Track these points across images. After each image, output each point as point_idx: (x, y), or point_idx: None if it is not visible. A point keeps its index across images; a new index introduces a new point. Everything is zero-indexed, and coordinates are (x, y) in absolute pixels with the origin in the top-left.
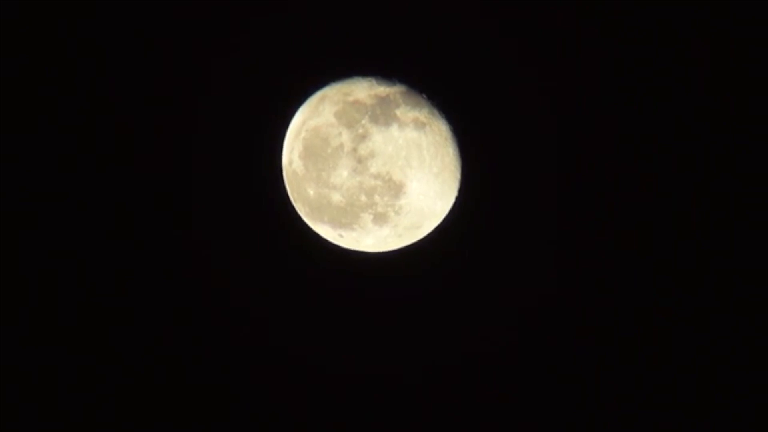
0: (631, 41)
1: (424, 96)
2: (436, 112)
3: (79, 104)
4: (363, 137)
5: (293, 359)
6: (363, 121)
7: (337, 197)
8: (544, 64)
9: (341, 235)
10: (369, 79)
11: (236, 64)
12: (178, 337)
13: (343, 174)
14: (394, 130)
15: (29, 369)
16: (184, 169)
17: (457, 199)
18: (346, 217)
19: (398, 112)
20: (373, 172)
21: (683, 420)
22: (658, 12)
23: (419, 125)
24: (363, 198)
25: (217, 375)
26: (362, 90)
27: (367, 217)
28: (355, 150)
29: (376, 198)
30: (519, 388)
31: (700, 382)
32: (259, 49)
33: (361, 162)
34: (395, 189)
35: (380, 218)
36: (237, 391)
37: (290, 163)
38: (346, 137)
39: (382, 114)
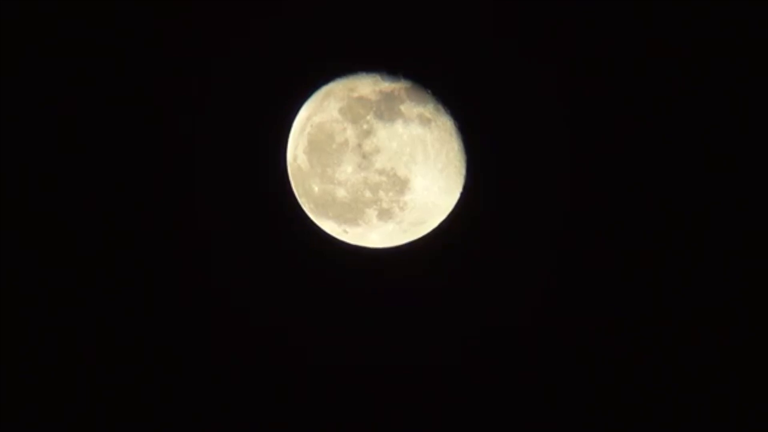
0: (633, 40)
1: (429, 92)
2: (440, 107)
3: (81, 104)
4: (368, 133)
5: (297, 356)
6: (368, 117)
7: (341, 193)
8: (548, 61)
9: (346, 231)
10: (374, 74)
11: (241, 60)
12: (178, 337)
13: (347, 170)
14: (399, 125)
15: (29, 369)
16: (189, 166)
17: (462, 194)
18: (350, 212)
19: (403, 107)
20: (377, 167)
21: (683, 420)
22: (662, 11)
23: (424, 121)
24: (368, 194)
25: (218, 374)
26: (367, 86)
27: (371, 213)
28: (359, 146)
29: (381, 194)
30: (519, 387)
31: (700, 382)
32: (264, 45)
33: (365, 158)
34: (400, 185)
35: (385, 214)
36: (238, 390)
37: (295, 158)
38: (350, 133)
39: (386, 110)
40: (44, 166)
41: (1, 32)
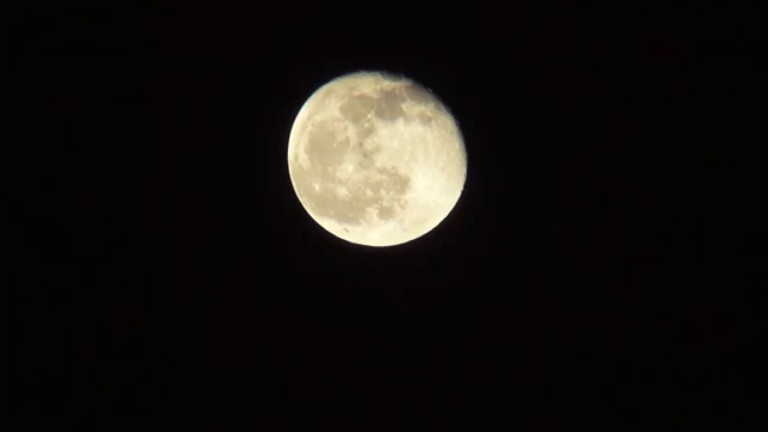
0: (633, 40)
1: (430, 90)
2: (441, 106)
3: (81, 104)
4: (369, 132)
5: (297, 354)
6: (369, 116)
7: (342, 192)
8: (548, 61)
9: (347, 230)
10: (375, 73)
11: (242, 59)
12: (178, 337)
13: (348, 168)
14: (400, 124)
15: (29, 369)
16: (189, 166)
17: (463, 193)
18: (351, 211)
19: (404, 106)
20: (378, 166)
21: (683, 420)
22: (662, 11)
23: (425, 120)
24: (369, 192)
25: (218, 374)
26: (368, 84)
27: (372, 212)
28: (360, 144)
29: (382, 192)
30: (519, 387)
31: (700, 382)
32: (265, 44)
33: (366, 156)
34: (401, 183)
35: (386, 213)
36: (238, 390)
37: (296, 157)
38: (351, 132)
39: (387, 108)
40: (44, 166)
41: (1, 32)
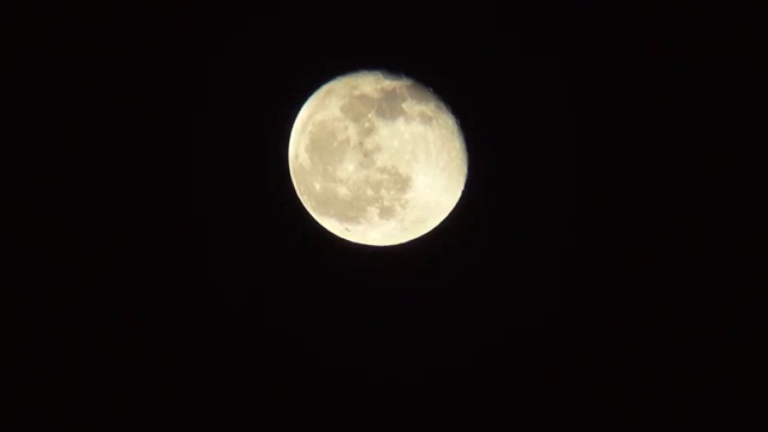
0: (633, 40)
1: (431, 90)
2: (442, 105)
3: (81, 104)
4: (369, 131)
5: (297, 355)
6: (369, 115)
7: (343, 191)
8: (551, 59)
9: (348, 229)
10: (375, 72)
11: (243, 58)
12: (178, 337)
13: (349, 168)
14: (401, 124)
15: (29, 369)
16: (189, 166)
17: (464, 193)
18: (352, 210)
19: (405, 105)
20: (379, 166)
21: (683, 420)
22: (662, 11)
23: (426, 119)
24: (369, 192)
25: (218, 374)
26: (368, 84)
27: (373, 211)
28: (361, 144)
29: (383, 192)
30: (519, 387)
31: (700, 382)
32: (266, 43)
33: (367, 156)
34: (401, 183)
35: (386, 212)
36: (238, 390)
37: (296, 156)
38: (352, 131)
39: (388, 108)
40: (44, 166)
41: (1, 32)
